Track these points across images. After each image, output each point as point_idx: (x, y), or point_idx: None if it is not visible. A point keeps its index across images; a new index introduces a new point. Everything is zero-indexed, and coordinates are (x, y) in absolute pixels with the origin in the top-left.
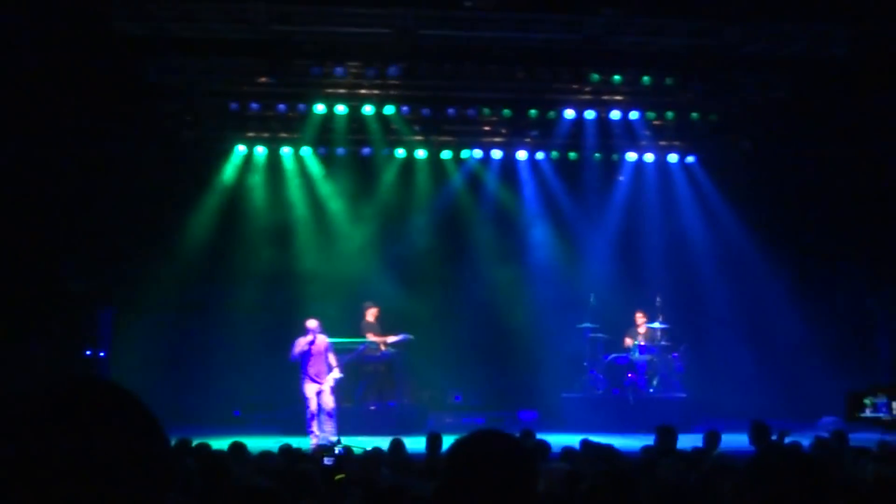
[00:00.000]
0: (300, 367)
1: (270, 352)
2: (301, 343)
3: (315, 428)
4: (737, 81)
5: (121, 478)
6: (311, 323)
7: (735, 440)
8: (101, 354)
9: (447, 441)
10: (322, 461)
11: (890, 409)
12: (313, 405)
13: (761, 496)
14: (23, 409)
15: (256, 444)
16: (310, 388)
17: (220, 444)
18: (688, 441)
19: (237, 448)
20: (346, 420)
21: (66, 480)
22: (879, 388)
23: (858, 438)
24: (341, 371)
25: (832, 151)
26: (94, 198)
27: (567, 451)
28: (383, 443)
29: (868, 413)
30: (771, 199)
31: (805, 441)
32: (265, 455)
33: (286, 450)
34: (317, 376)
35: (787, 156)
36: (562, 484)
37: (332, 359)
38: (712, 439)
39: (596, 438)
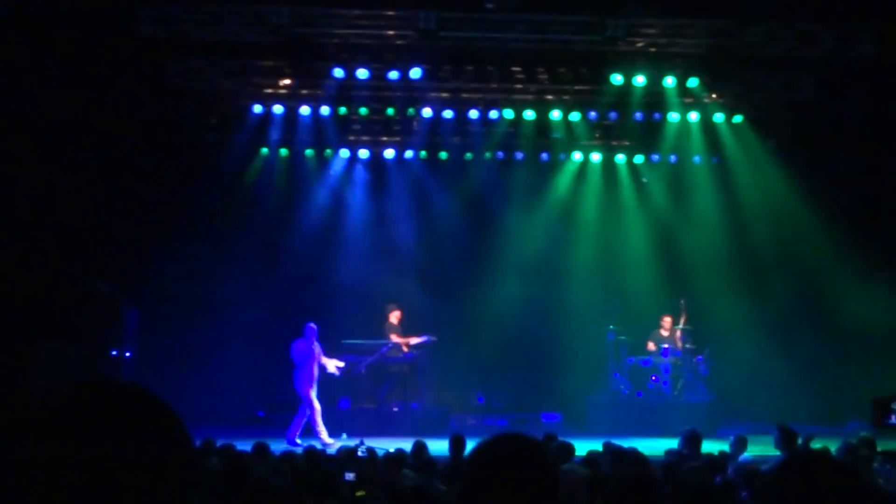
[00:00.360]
0: (303, 370)
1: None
2: (304, 346)
3: (322, 428)
4: (761, 82)
5: (147, 480)
6: (313, 326)
7: (760, 444)
8: (127, 354)
9: (470, 443)
10: (346, 463)
11: None
12: (318, 406)
13: (788, 502)
14: (51, 413)
15: (280, 445)
16: (312, 392)
17: (244, 444)
18: (712, 445)
19: (260, 449)
20: (369, 422)
21: (93, 484)
22: None
23: (887, 445)
24: (352, 371)
25: (857, 152)
26: (120, 199)
27: (591, 455)
28: (406, 444)
29: (895, 419)
30: (795, 201)
31: (832, 446)
32: (288, 456)
33: (310, 451)
34: (316, 380)
35: (812, 157)
36: (583, 487)
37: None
38: (739, 444)
39: (620, 441)
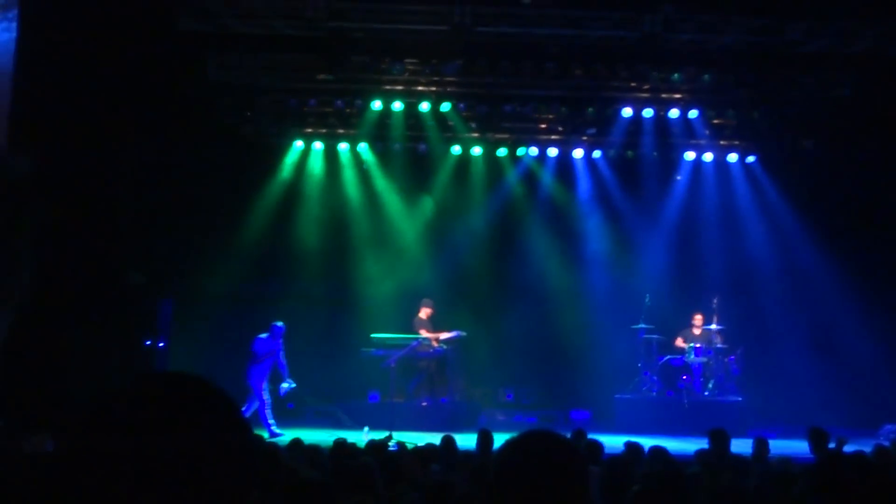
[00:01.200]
0: (260, 366)
1: (325, 345)
2: (268, 343)
3: (272, 420)
4: (799, 79)
5: (216, 473)
6: (280, 326)
7: (792, 446)
8: (161, 345)
9: (498, 439)
10: (376, 456)
11: None
12: (268, 399)
13: None
14: (121, 406)
15: (309, 436)
16: (263, 385)
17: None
18: (743, 446)
19: (292, 442)
20: (399, 416)
21: (165, 476)
22: None
23: None
24: (382, 365)
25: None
26: (154, 191)
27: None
28: (434, 439)
29: None
30: (833, 200)
31: (866, 449)
32: (318, 449)
33: (340, 444)
34: (268, 376)
35: (851, 156)
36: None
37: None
38: (760, 446)
39: (649, 441)
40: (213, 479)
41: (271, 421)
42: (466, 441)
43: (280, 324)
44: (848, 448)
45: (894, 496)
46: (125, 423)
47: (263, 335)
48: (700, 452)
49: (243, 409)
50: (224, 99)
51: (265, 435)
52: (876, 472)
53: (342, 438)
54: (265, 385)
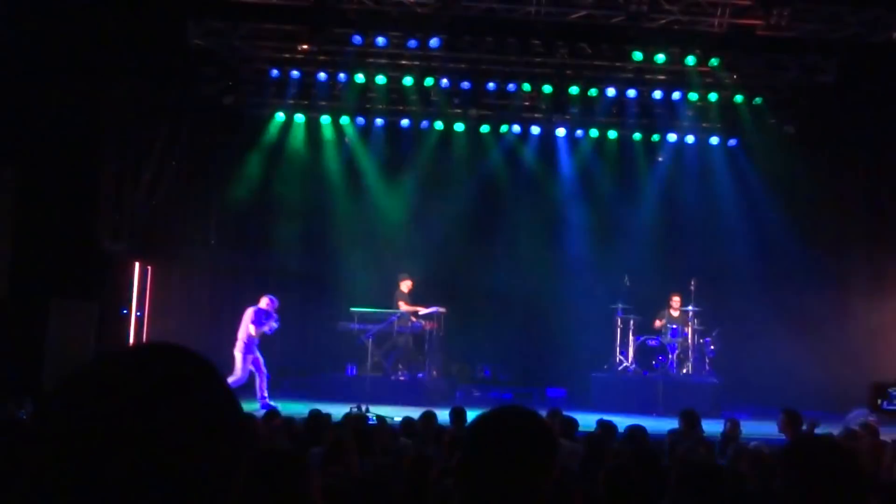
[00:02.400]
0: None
1: (303, 318)
2: (265, 315)
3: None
4: (783, 64)
5: (208, 449)
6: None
7: (764, 427)
8: (138, 314)
9: (473, 416)
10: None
11: None
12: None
13: (792, 485)
14: (95, 379)
15: (285, 408)
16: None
17: (250, 406)
18: (717, 426)
19: (269, 414)
20: (375, 390)
21: (148, 452)
22: None
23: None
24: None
25: (878, 138)
26: (132, 156)
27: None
28: (411, 413)
29: (889, 405)
30: (813, 184)
31: (835, 432)
32: (292, 420)
33: (315, 416)
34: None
35: (832, 142)
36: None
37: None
38: (733, 427)
39: (624, 420)
40: (204, 453)
41: (266, 394)
42: (442, 417)
43: (274, 298)
44: (818, 431)
45: (860, 477)
46: (107, 395)
47: (262, 306)
48: (672, 432)
49: (258, 385)
50: (205, 68)
51: (256, 406)
52: (844, 454)
53: (317, 410)
54: (262, 357)
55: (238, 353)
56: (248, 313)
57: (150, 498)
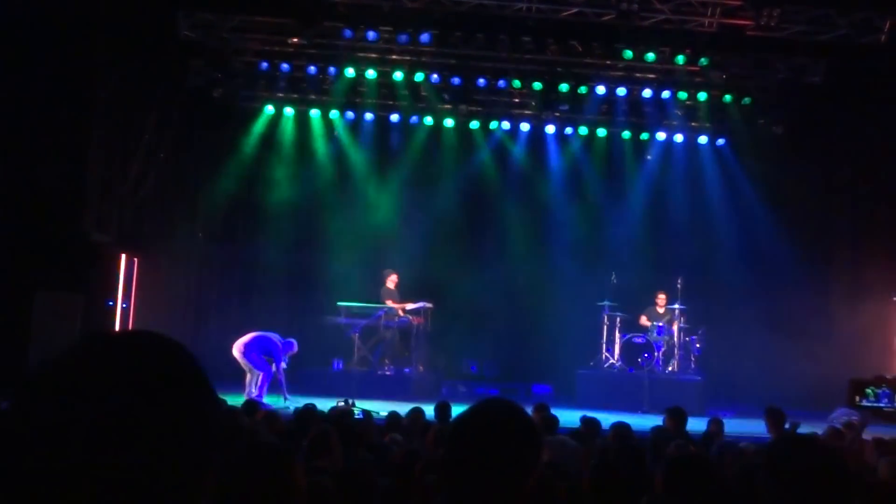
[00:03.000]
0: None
1: (290, 312)
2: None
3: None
4: (772, 65)
5: (174, 439)
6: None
7: (748, 426)
8: (124, 306)
9: (458, 411)
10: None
11: (892, 400)
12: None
13: (772, 484)
14: (88, 366)
15: (270, 401)
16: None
17: (235, 400)
18: (701, 424)
19: (250, 406)
20: (362, 384)
21: (114, 446)
22: (884, 381)
23: (871, 430)
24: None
25: (865, 139)
26: (120, 148)
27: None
28: (397, 408)
29: (867, 402)
30: (800, 185)
31: (819, 431)
32: (276, 413)
33: (300, 409)
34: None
35: (820, 143)
36: (575, 459)
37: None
38: (716, 425)
39: (609, 417)
40: (174, 446)
41: (261, 392)
42: (427, 412)
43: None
44: (803, 430)
45: (842, 476)
46: (77, 387)
47: (291, 341)
48: (656, 429)
49: (257, 386)
50: (194, 60)
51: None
52: (825, 453)
53: (306, 404)
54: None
55: (242, 357)
56: (277, 339)
57: (125, 488)
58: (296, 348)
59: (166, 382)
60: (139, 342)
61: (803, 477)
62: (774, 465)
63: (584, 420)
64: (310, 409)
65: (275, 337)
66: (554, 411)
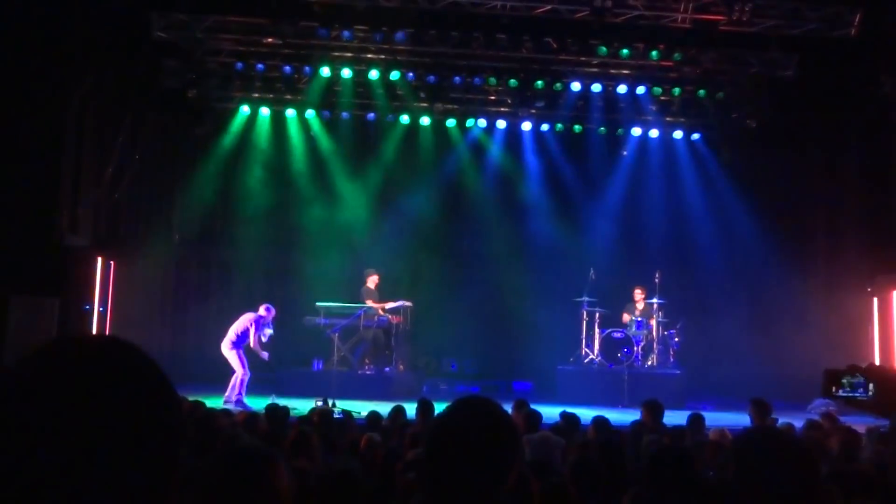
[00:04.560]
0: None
1: None
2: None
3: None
4: (744, 59)
5: (133, 444)
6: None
7: (727, 418)
8: (101, 309)
9: (439, 409)
10: (319, 424)
11: (867, 389)
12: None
13: (741, 474)
14: (26, 373)
15: (248, 402)
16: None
17: (214, 402)
18: (681, 418)
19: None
20: (342, 384)
21: (75, 450)
22: (858, 369)
23: (848, 421)
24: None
25: (838, 132)
26: (94, 149)
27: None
28: (378, 407)
29: (843, 392)
30: (775, 180)
31: (797, 423)
32: (256, 415)
33: (275, 409)
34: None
35: (794, 136)
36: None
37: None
38: (696, 423)
39: (590, 413)
40: (134, 451)
41: (242, 392)
42: (408, 411)
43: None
44: (781, 421)
45: (809, 467)
46: (41, 386)
47: (261, 314)
48: (636, 423)
49: (238, 387)
50: (168, 60)
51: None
52: (791, 444)
53: (277, 405)
54: (247, 357)
55: (231, 352)
56: (248, 318)
57: (88, 488)
58: (272, 312)
59: (123, 383)
60: (96, 345)
61: (766, 468)
62: (740, 455)
63: (564, 415)
64: (273, 408)
65: (247, 318)
66: (535, 407)
